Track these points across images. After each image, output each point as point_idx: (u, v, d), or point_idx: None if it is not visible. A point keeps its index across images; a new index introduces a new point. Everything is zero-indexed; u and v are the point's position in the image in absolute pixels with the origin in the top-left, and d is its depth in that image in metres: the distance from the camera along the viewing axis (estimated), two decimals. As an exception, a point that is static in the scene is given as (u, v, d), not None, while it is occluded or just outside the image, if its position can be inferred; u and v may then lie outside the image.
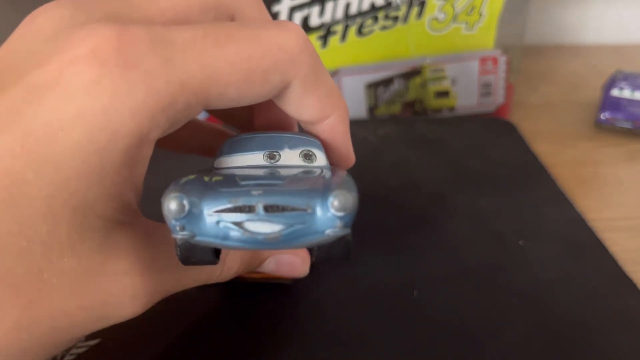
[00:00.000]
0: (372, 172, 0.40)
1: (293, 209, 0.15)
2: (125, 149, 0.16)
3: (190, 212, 0.15)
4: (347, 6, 0.43)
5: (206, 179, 0.17)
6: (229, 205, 0.15)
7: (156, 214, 0.19)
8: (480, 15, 0.44)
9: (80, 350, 0.25)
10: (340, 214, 0.15)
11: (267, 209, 0.15)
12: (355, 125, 0.45)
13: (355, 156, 0.24)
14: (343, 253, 0.17)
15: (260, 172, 0.19)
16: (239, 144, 0.21)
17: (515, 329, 0.27)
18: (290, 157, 0.20)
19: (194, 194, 0.16)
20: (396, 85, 0.47)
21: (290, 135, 0.21)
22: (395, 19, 0.44)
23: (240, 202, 0.15)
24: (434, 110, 0.48)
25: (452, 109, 0.48)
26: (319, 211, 0.15)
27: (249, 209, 0.15)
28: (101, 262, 0.17)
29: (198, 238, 0.16)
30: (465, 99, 0.48)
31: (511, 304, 0.28)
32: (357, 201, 0.16)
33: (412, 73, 0.46)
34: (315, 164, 0.20)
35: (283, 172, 0.19)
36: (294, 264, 0.25)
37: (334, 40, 0.44)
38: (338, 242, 0.16)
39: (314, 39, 0.44)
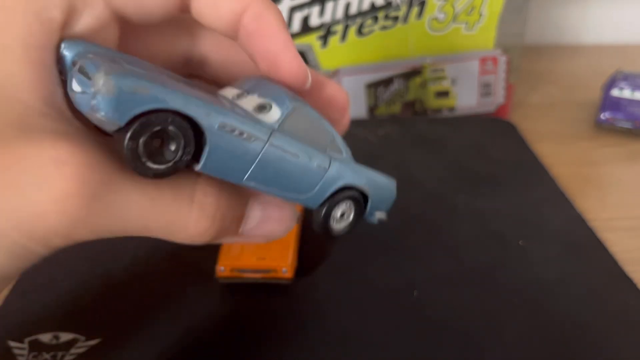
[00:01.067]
0: (372, 172, 0.40)
1: (89, 78, 0.15)
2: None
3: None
4: (347, 6, 0.43)
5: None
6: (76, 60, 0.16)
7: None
8: (480, 15, 0.44)
9: (80, 350, 0.25)
10: (93, 90, 0.15)
11: (79, 69, 0.16)
12: (355, 125, 0.45)
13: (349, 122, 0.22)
14: (122, 147, 0.16)
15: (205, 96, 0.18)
16: (242, 81, 0.21)
17: (515, 329, 0.27)
18: (249, 102, 0.20)
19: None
20: (396, 85, 0.47)
21: (275, 87, 0.20)
22: (395, 19, 0.44)
23: (79, 62, 0.16)
24: (434, 110, 0.48)
25: (452, 109, 0.48)
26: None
27: (74, 69, 0.16)
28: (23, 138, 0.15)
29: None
30: (465, 99, 0.48)
31: (511, 304, 0.28)
32: (115, 86, 0.15)
33: (412, 73, 0.46)
34: (263, 115, 0.19)
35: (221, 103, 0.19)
36: (281, 218, 0.21)
37: (334, 40, 0.44)
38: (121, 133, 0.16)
39: (314, 38, 0.44)
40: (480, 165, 0.40)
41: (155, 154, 0.16)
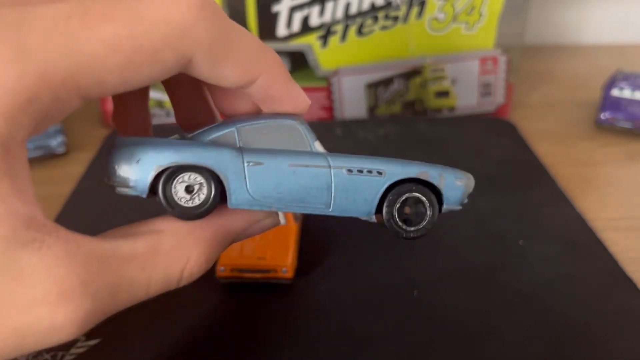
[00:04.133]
0: (372, 172, 0.40)
1: None
2: None
3: None
4: (347, 6, 0.43)
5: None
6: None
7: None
8: (480, 15, 0.44)
9: (80, 350, 0.25)
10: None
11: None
12: (355, 125, 0.45)
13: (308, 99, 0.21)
14: None
15: None
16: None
17: (515, 329, 0.27)
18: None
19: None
20: (396, 85, 0.47)
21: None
22: (395, 18, 0.44)
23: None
24: (434, 110, 0.48)
25: (452, 109, 0.48)
26: None
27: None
28: (8, 291, 0.14)
29: None
30: (465, 99, 0.48)
31: (511, 303, 0.28)
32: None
33: (412, 73, 0.46)
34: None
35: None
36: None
37: (334, 40, 0.44)
38: None
39: (314, 38, 0.44)
40: (480, 165, 0.40)
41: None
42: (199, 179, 0.19)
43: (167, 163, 0.18)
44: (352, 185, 0.20)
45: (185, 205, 0.19)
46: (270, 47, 0.20)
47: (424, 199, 0.21)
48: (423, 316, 0.27)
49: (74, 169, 0.41)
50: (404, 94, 0.47)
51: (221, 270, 0.28)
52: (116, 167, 0.18)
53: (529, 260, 0.31)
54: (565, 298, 0.28)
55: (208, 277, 0.29)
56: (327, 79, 0.45)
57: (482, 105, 0.48)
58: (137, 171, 0.18)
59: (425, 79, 0.47)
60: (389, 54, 0.45)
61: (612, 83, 0.48)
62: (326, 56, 0.45)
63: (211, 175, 0.19)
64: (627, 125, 0.45)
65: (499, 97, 0.48)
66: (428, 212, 0.21)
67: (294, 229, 0.30)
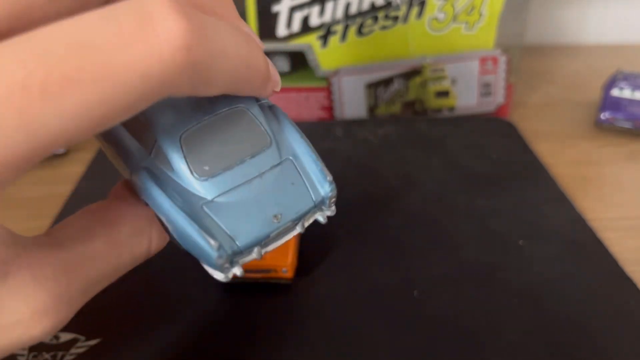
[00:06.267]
0: (372, 172, 0.40)
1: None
2: None
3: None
4: (347, 6, 0.43)
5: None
6: None
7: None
8: (480, 15, 0.44)
9: (80, 350, 0.25)
10: None
11: None
12: (355, 125, 0.45)
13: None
14: None
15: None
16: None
17: (516, 329, 0.27)
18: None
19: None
20: (396, 85, 0.47)
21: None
22: (395, 18, 0.44)
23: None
24: (434, 110, 0.48)
25: (452, 109, 0.48)
26: None
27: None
28: None
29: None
30: (465, 99, 0.48)
31: (511, 303, 0.28)
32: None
33: (412, 73, 0.46)
34: None
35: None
36: None
37: (334, 40, 0.44)
38: None
39: (314, 38, 0.44)
40: (480, 165, 0.40)
41: None
42: None
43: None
44: None
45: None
46: (270, 47, 0.19)
47: None
48: (423, 316, 0.27)
49: (74, 169, 0.41)
50: (404, 94, 0.47)
51: (221, 270, 0.28)
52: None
53: (528, 260, 0.31)
54: (565, 298, 0.28)
55: (208, 277, 0.29)
56: (327, 79, 0.45)
57: (482, 105, 0.48)
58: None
59: (425, 79, 0.47)
60: (389, 54, 0.45)
61: (612, 83, 0.48)
62: (326, 56, 0.45)
63: None
64: (627, 125, 0.45)
65: (499, 97, 0.48)
66: None
67: (294, 229, 0.30)
